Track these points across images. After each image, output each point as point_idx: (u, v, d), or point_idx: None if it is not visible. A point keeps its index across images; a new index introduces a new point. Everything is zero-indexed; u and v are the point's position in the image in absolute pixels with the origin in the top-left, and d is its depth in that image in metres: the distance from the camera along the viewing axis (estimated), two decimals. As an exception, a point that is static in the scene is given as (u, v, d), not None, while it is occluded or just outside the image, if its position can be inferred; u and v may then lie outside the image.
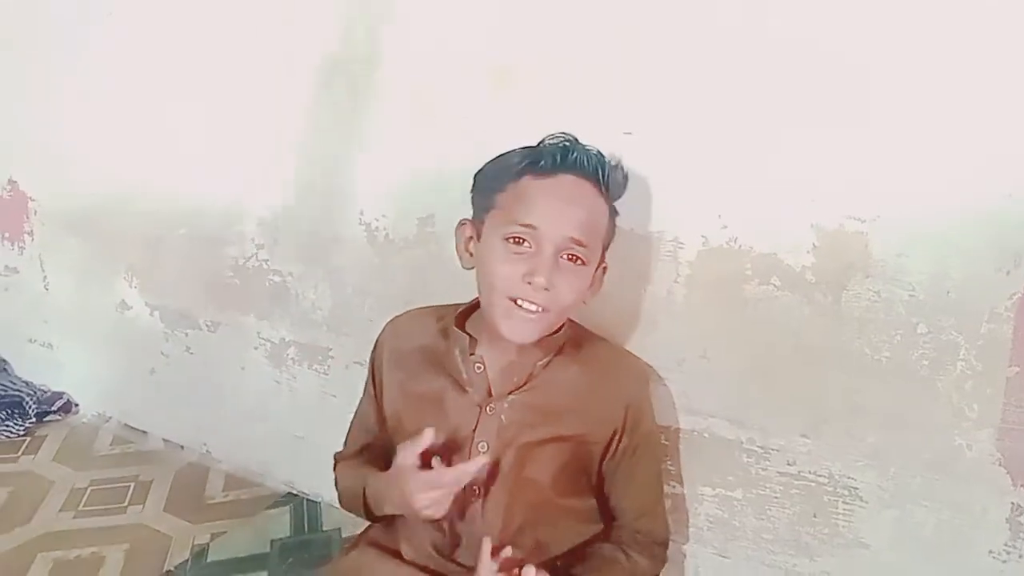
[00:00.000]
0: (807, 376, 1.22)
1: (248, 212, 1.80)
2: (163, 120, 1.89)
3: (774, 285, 1.21)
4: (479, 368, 1.15)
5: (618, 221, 1.22)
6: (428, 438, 1.06)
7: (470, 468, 1.04)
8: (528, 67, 1.34)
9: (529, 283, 1.05)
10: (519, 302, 1.06)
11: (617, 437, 1.19)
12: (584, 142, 1.12)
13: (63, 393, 2.40)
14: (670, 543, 1.27)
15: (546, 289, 1.05)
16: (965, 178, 1.07)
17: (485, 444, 1.13)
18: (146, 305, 2.11)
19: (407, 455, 1.07)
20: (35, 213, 2.29)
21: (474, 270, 1.16)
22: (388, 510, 1.15)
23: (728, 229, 1.23)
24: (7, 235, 2.38)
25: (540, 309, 1.07)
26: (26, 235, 2.33)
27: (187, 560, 1.66)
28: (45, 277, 2.35)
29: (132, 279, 2.11)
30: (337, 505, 1.33)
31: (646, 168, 1.26)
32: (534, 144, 1.13)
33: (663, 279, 1.30)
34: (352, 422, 1.34)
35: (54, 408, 2.35)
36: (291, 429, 1.91)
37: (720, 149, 1.21)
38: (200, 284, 1.96)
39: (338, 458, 1.34)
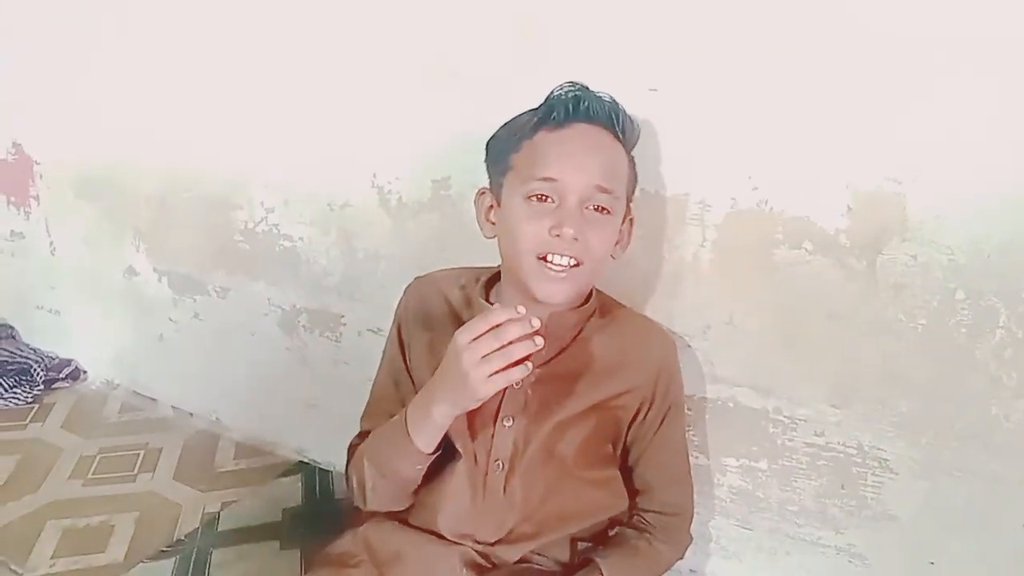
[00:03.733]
0: (838, 344, 1.18)
1: (258, 175, 1.76)
2: (172, 82, 1.84)
3: (806, 249, 1.17)
4: None
5: (642, 183, 1.18)
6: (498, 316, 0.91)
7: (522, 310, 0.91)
8: (550, 20, 1.28)
9: (557, 235, 1.01)
10: (549, 259, 1.03)
11: (647, 403, 1.16)
12: (595, 89, 1.08)
13: (71, 360, 2.38)
14: (694, 516, 1.24)
15: (575, 239, 1.01)
16: (1008, 136, 1.01)
17: (511, 419, 1.10)
18: (154, 271, 2.07)
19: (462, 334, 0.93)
20: (41, 177, 2.25)
21: (495, 239, 1.12)
22: (439, 412, 0.99)
23: (758, 191, 1.18)
24: (13, 199, 2.34)
25: (571, 263, 1.03)
26: (32, 199, 2.29)
27: (197, 528, 1.64)
28: (52, 242, 2.31)
29: (140, 244, 2.07)
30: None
31: (672, 126, 1.21)
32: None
33: (689, 243, 1.26)
34: (368, 402, 1.27)
35: (62, 375, 2.33)
36: (303, 397, 1.88)
37: (751, 106, 1.15)
38: (209, 249, 1.92)
39: (367, 428, 1.23)
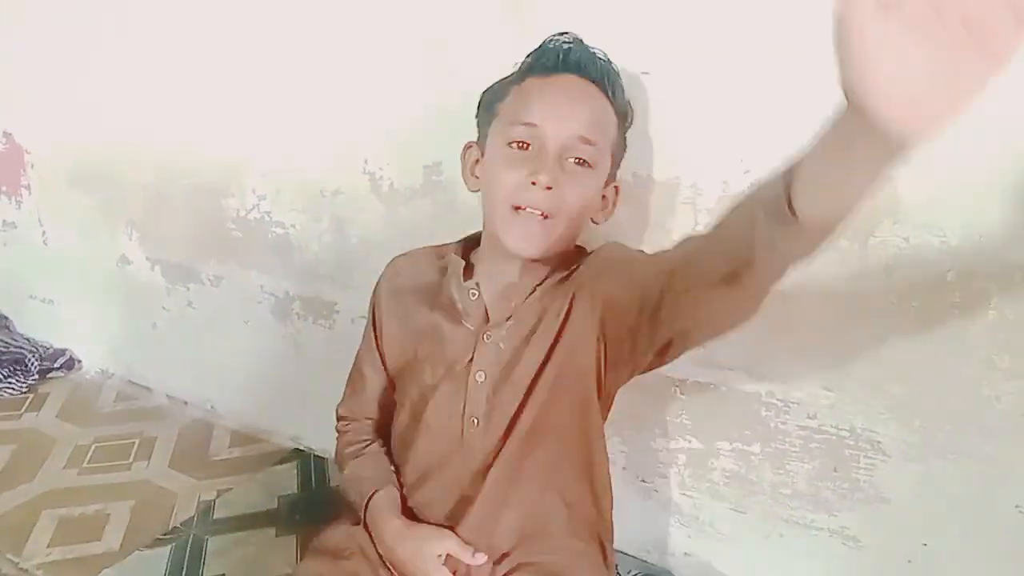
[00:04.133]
0: (830, 327, 1.18)
1: (249, 162, 1.75)
2: (162, 70, 1.83)
3: (797, 232, 1.16)
4: (474, 294, 1.10)
5: (634, 166, 1.18)
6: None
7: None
8: (541, 2, 1.27)
9: (533, 183, 0.99)
10: (523, 209, 1.01)
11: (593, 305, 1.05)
12: (589, 44, 1.07)
13: (66, 350, 2.38)
14: (687, 497, 1.24)
15: (549, 188, 0.99)
16: (1002, 116, 1.00)
17: (483, 374, 1.08)
18: (147, 259, 2.07)
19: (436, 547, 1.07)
20: (32, 166, 2.24)
21: (479, 192, 1.11)
22: (380, 541, 1.12)
23: (750, 174, 1.17)
24: (4, 189, 2.33)
25: (543, 215, 1.01)
26: (23, 189, 2.28)
27: (193, 516, 1.64)
28: (44, 232, 2.31)
29: (132, 232, 2.07)
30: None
31: (664, 109, 1.20)
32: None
33: (681, 227, 1.25)
34: (347, 383, 1.31)
35: (57, 365, 2.33)
36: (297, 384, 1.88)
37: (742, 89, 1.14)
38: (201, 237, 1.92)
39: (342, 415, 1.32)
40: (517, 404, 1.08)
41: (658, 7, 1.18)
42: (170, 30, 1.78)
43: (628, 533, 1.37)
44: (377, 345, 1.23)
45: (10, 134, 2.23)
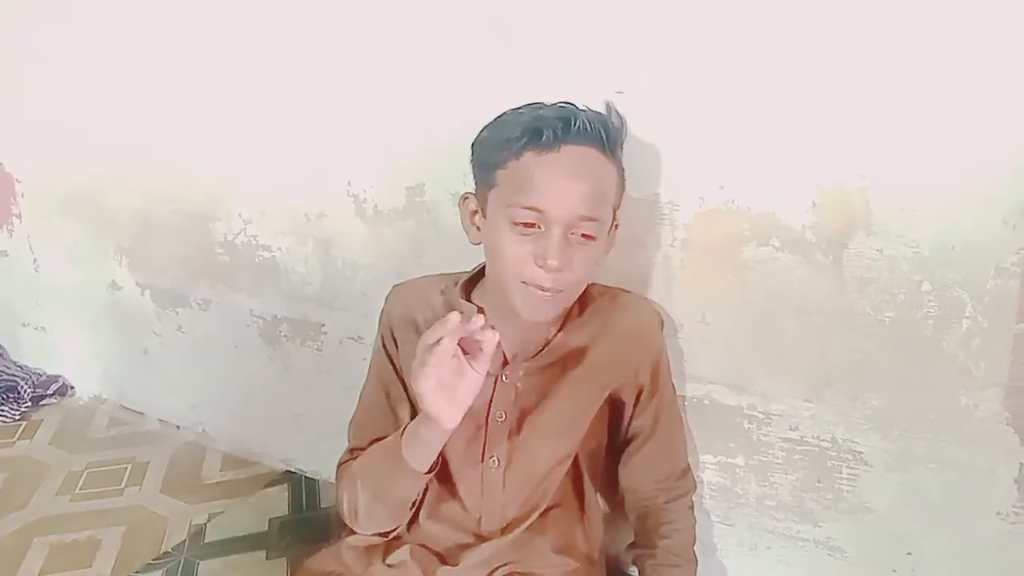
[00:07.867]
0: (809, 339, 1.19)
1: (235, 186, 1.76)
2: (148, 97, 1.85)
3: (773, 246, 1.17)
4: None
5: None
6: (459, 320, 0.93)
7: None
8: (520, 25, 1.28)
9: (541, 266, 1.00)
10: (532, 283, 1.03)
11: (641, 392, 1.20)
12: (582, 106, 1.07)
13: (58, 376, 2.39)
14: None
15: (560, 270, 1.00)
16: (972, 128, 1.02)
17: (503, 414, 1.11)
18: (136, 285, 2.08)
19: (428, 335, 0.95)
20: (23, 195, 2.25)
21: (480, 245, 1.12)
22: (425, 429, 1.01)
23: (725, 189, 1.18)
24: (-5, 218, 2.35)
25: (555, 290, 1.03)
26: (14, 217, 2.30)
27: (184, 541, 1.65)
28: (35, 260, 2.32)
29: (121, 258, 2.08)
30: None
31: (640, 128, 1.21)
32: (523, 105, 1.08)
33: (659, 243, 1.26)
34: (355, 416, 1.26)
35: (49, 391, 2.33)
36: (287, 407, 1.89)
37: (716, 105, 1.16)
38: (189, 262, 1.93)
39: (356, 447, 1.23)
40: (539, 448, 1.13)
41: (631, 26, 1.19)
42: (156, 58, 1.80)
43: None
44: (396, 372, 1.21)
45: (0, 163, 2.25)
